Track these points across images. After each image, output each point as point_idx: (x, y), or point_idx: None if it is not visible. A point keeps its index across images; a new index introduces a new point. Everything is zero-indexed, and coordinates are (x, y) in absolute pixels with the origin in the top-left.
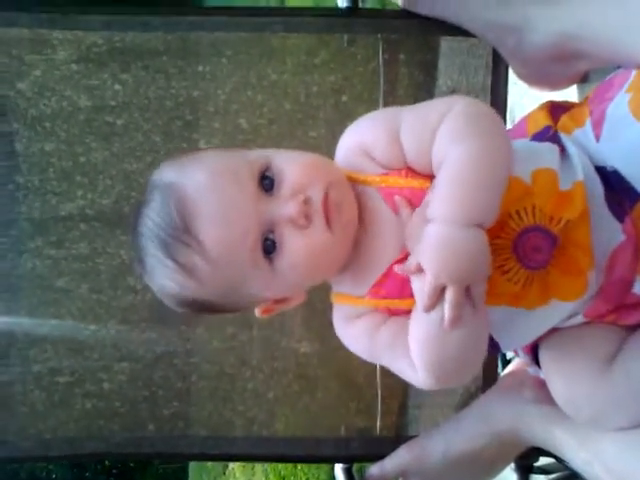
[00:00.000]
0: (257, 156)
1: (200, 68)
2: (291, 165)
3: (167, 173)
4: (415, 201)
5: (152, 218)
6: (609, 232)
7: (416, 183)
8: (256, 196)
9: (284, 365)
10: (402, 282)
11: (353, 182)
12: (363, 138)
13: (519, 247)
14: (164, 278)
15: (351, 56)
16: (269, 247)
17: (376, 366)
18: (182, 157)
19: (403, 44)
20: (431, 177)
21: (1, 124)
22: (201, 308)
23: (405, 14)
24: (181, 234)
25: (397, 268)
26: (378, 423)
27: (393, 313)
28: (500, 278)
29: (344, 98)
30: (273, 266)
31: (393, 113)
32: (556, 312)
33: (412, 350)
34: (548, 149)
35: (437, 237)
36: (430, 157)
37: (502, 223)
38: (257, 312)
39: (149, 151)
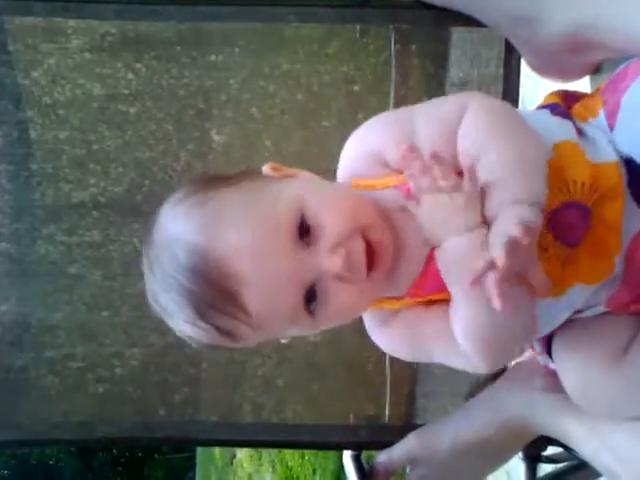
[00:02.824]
0: (289, 204)
1: (212, 58)
2: (327, 213)
3: (188, 229)
4: None
5: (180, 281)
6: (632, 218)
7: None
8: (296, 252)
9: (294, 353)
10: (439, 277)
11: (374, 189)
12: (374, 145)
13: (554, 224)
14: (193, 332)
15: (363, 46)
16: (310, 297)
17: (385, 354)
18: (197, 207)
19: (415, 35)
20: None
21: (16, 112)
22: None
23: (417, 4)
24: (224, 305)
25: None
26: (387, 411)
27: (434, 303)
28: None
29: (356, 88)
30: (313, 317)
31: (404, 115)
32: (579, 296)
33: (460, 340)
34: (561, 123)
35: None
36: (451, 159)
37: None
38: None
39: (161, 139)
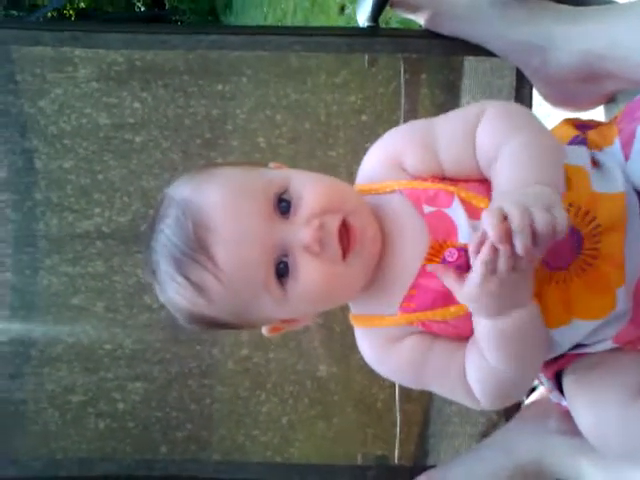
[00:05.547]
0: (275, 177)
1: (219, 87)
2: (310, 189)
3: (183, 189)
4: (440, 201)
5: (166, 234)
6: None
7: (442, 185)
8: (272, 218)
9: (300, 389)
10: (432, 292)
11: (377, 193)
12: (395, 148)
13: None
14: (175, 294)
15: (372, 76)
16: (282, 270)
17: (395, 392)
18: (198, 173)
19: (425, 64)
20: (464, 181)
21: (22, 141)
22: (210, 324)
23: (427, 34)
24: (195, 252)
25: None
26: (396, 451)
27: (426, 327)
28: None
29: (364, 118)
30: (285, 290)
31: (425, 123)
32: (577, 332)
33: (472, 383)
34: (578, 151)
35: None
36: (471, 160)
37: None
38: (264, 331)
39: (167, 169)
